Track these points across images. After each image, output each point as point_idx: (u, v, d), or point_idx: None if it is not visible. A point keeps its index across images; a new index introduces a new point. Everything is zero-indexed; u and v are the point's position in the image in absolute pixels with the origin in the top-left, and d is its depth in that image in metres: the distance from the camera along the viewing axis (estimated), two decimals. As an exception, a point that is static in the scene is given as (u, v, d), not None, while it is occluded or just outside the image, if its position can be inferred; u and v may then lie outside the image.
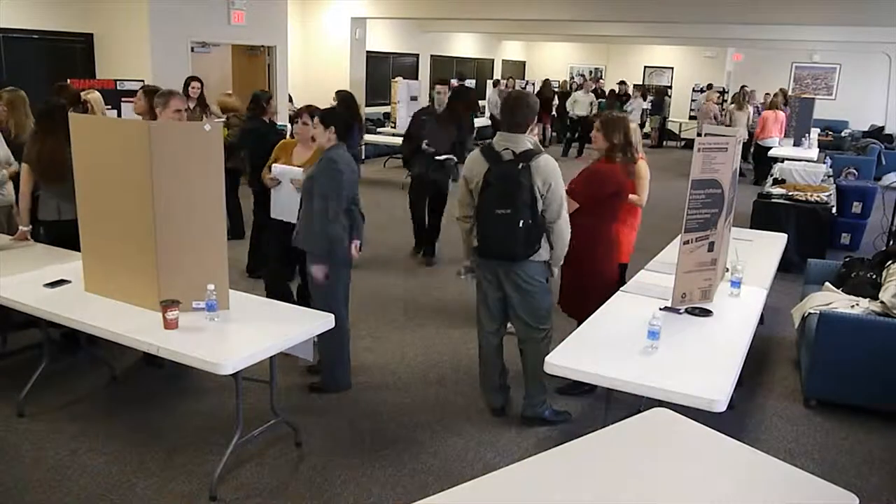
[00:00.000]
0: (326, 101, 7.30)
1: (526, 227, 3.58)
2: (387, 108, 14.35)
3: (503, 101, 3.89)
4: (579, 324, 3.97)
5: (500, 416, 4.04)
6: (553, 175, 3.62)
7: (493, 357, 4.05)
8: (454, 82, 13.70)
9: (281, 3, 10.78)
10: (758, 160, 12.30)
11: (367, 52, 13.60)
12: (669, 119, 18.68)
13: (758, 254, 4.79)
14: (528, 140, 3.70)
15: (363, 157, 12.26)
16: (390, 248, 7.52)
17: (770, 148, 11.41)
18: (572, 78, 20.64)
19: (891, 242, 7.28)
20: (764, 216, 7.20)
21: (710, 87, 17.31)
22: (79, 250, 3.84)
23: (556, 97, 16.75)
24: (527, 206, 3.57)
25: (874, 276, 4.81)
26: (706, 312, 3.60)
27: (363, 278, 6.44)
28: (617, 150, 4.21)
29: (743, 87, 14.56)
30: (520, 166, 3.57)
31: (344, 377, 4.25)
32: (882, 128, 17.28)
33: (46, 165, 4.23)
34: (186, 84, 6.93)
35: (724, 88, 17.93)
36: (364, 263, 6.85)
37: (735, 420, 3.94)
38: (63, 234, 4.31)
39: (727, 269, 4.06)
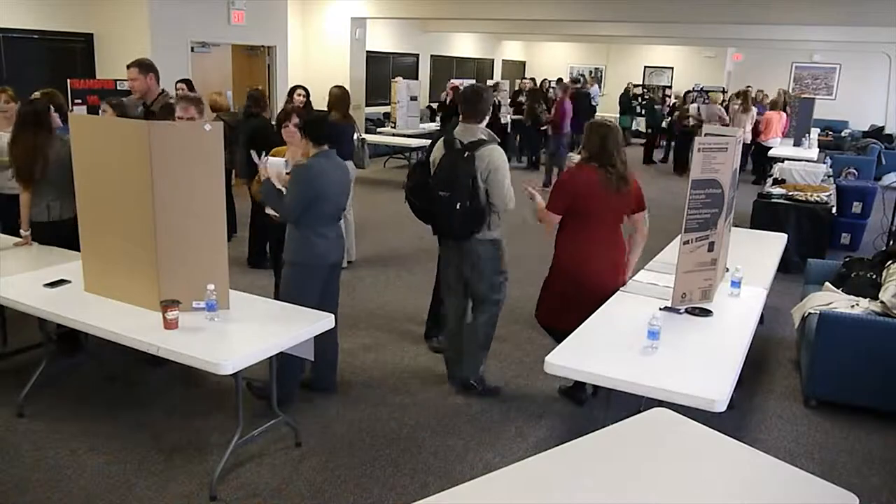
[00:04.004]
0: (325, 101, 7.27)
1: (463, 210, 3.94)
2: (387, 108, 14.35)
3: (462, 93, 4.18)
4: (554, 334, 3.99)
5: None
6: (494, 163, 3.93)
7: (454, 325, 4.36)
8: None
9: (281, 3, 10.78)
10: (759, 160, 12.29)
11: (367, 52, 13.59)
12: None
13: (758, 254, 4.79)
14: (482, 131, 4.01)
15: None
16: (389, 248, 7.52)
17: (770, 148, 11.40)
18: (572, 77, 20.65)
19: (891, 242, 7.29)
20: (764, 216, 7.21)
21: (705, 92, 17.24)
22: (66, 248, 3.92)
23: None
24: (466, 190, 3.92)
25: (874, 276, 4.81)
26: (706, 312, 3.59)
27: (363, 278, 6.45)
28: (589, 159, 3.85)
29: (748, 87, 14.47)
30: (465, 154, 3.93)
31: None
32: (882, 128, 17.27)
33: (25, 167, 4.24)
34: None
35: (723, 88, 17.94)
36: (364, 263, 6.86)
37: (735, 420, 3.94)
38: (62, 234, 4.31)
39: (727, 269, 4.06)
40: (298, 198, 3.74)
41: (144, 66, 5.17)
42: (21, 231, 4.41)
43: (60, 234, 4.28)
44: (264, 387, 3.78)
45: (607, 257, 3.93)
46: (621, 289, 3.98)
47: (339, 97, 6.60)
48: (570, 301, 3.86)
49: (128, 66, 5.21)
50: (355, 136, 6.90)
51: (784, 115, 12.26)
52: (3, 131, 5.13)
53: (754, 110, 12.54)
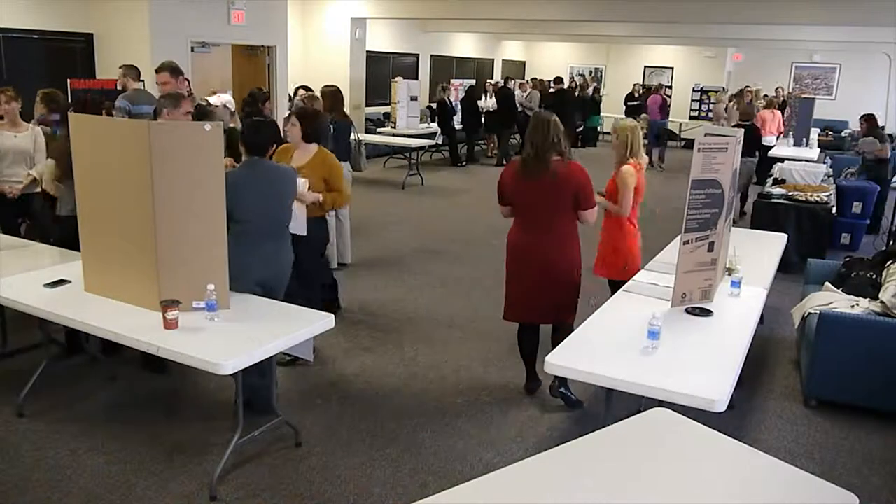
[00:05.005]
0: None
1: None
2: (387, 108, 14.35)
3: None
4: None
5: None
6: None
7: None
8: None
9: (281, 3, 10.78)
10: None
11: (367, 52, 13.60)
12: (669, 119, 18.65)
13: (758, 254, 4.79)
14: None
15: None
16: (388, 248, 7.52)
17: (769, 147, 11.38)
18: (572, 78, 20.63)
19: (891, 242, 7.29)
20: (764, 216, 7.21)
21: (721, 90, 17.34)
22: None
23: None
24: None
25: (874, 276, 4.81)
26: (706, 312, 3.60)
27: (362, 279, 6.45)
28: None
29: (746, 86, 14.50)
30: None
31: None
32: (882, 128, 17.25)
33: (65, 163, 4.26)
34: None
35: (723, 88, 17.94)
36: (363, 264, 6.86)
37: (735, 420, 3.94)
38: (71, 230, 4.35)
39: (727, 271, 4.06)
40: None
41: (175, 70, 5.26)
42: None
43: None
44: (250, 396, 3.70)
45: (544, 241, 3.97)
46: (622, 288, 3.98)
47: (335, 96, 6.63)
48: (511, 291, 4.13)
49: (157, 71, 5.31)
50: (352, 137, 6.90)
51: (777, 112, 12.26)
52: (6, 131, 5.14)
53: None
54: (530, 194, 3.94)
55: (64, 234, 4.47)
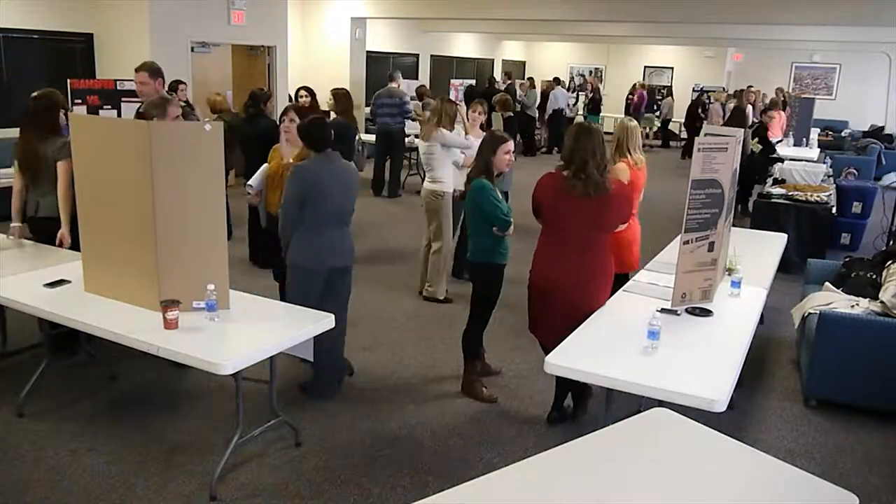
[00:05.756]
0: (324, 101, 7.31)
1: None
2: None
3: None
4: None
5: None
6: None
7: None
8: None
9: (281, 3, 10.78)
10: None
11: (367, 52, 13.59)
12: (672, 119, 18.67)
13: (758, 254, 4.79)
14: None
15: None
16: (389, 248, 7.52)
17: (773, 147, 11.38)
18: (572, 78, 20.64)
19: (891, 242, 7.29)
20: (764, 216, 7.21)
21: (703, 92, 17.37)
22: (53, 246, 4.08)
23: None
24: None
25: (874, 276, 4.81)
26: (706, 312, 3.60)
27: (362, 279, 6.45)
28: (563, 165, 3.65)
29: (749, 86, 14.51)
30: None
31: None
32: (882, 128, 17.24)
33: (21, 161, 4.31)
34: (173, 87, 6.91)
35: (723, 88, 17.93)
36: (362, 264, 6.86)
37: (735, 420, 3.94)
38: (37, 230, 4.38)
39: (727, 271, 4.06)
40: (291, 195, 3.82)
41: (154, 71, 5.18)
42: (12, 224, 4.40)
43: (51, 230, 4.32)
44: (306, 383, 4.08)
45: (573, 273, 3.59)
46: (622, 288, 3.97)
47: (348, 98, 6.69)
48: (537, 312, 3.77)
49: (136, 70, 5.22)
50: (356, 138, 6.92)
51: (783, 114, 12.27)
52: None
53: (749, 108, 12.53)
54: (573, 214, 3.57)
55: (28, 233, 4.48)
